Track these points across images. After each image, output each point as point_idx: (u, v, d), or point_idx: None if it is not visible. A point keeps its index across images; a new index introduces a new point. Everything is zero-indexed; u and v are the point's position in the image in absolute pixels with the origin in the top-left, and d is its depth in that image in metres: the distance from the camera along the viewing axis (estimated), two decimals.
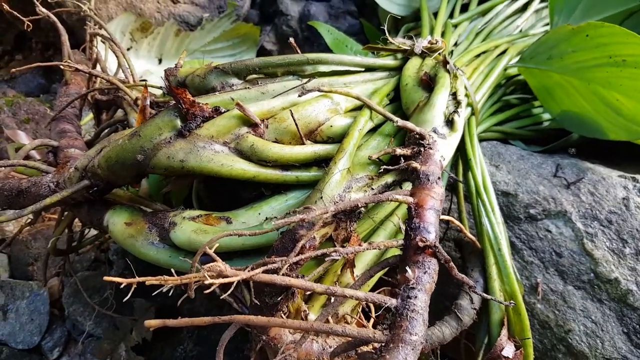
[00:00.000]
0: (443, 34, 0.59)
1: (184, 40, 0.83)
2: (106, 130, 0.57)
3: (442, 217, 0.41)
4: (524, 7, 0.66)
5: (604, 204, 0.50)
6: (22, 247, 0.68)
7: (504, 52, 0.59)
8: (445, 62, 0.47)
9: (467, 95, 0.51)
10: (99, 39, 0.65)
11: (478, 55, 0.58)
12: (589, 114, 0.55)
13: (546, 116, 0.60)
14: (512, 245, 0.51)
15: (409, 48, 0.53)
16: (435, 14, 0.65)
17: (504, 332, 0.42)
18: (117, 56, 0.59)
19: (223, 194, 0.46)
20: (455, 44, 0.61)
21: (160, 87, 0.52)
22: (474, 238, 0.45)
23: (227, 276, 0.29)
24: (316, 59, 0.47)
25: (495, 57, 0.57)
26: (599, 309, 0.48)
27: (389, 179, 0.40)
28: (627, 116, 0.52)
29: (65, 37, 0.63)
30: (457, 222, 0.42)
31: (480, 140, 0.57)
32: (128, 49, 0.82)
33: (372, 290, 0.46)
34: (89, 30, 0.65)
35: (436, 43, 0.52)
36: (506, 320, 0.44)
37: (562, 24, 0.60)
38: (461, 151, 0.50)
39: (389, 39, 0.53)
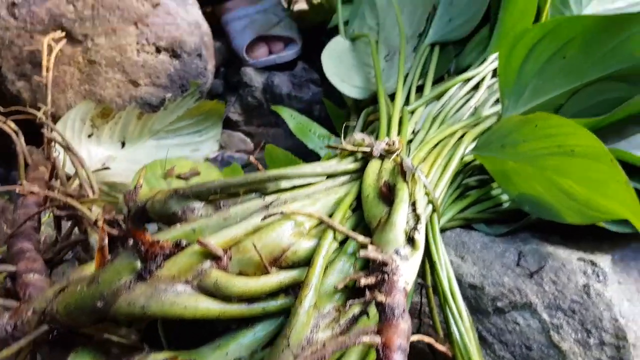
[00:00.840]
0: (400, 123, 0.61)
1: (147, 122, 0.83)
2: (66, 249, 0.56)
3: (412, 338, 0.41)
4: (477, 86, 0.68)
5: (566, 293, 0.51)
6: None
7: (461, 138, 0.60)
8: (402, 172, 0.48)
9: (427, 194, 0.52)
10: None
11: (436, 145, 0.59)
12: (545, 198, 0.56)
13: (506, 197, 0.62)
14: (483, 340, 0.52)
15: (368, 150, 0.54)
16: (393, 96, 0.67)
17: None
18: (75, 166, 0.58)
19: (190, 325, 0.46)
20: (414, 132, 0.62)
21: (122, 192, 0.51)
22: (444, 348, 0.45)
23: None
24: (277, 175, 0.48)
25: (452, 146, 0.59)
26: None
27: (355, 309, 0.40)
28: (581, 201, 0.54)
29: (20, 146, 0.62)
30: (427, 339, 0.42)
31: (445, 229, 0.58)
32: (89, 136, 0.81)
33: None
34: (46, 134, 0.64)
35: (393, 144, 0.53)
36: None
37: (512, 106, 0.62)
38: (426, 251, 0.51)
39: (344, 144, 0.54)
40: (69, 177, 0.68)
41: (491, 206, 0.61)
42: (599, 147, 0.51)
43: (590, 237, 0.60)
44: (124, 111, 0.81)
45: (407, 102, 0.67)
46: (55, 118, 0.77)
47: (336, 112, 0.75)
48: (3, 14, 0.75)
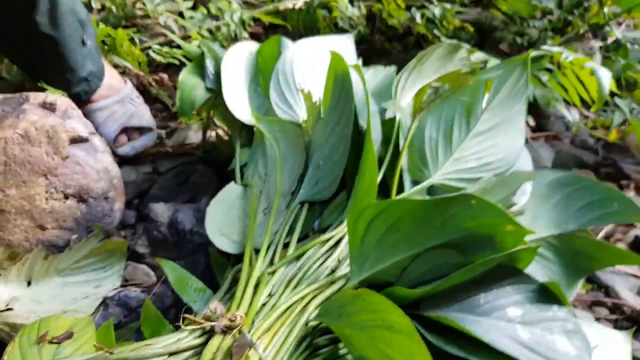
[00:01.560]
0: (257, 287, 0.68)
1: (53, 262, 0.89)
2: None
3: None
4: (336, 244, 0.77)
5: None
6: None
7: (308, 304, 0.68)
8: (231, 355, 0.55)
9: None
10: None
11: (285, 311, 0.66)
12: None
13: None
14: None
15: (214, 324, 0.61)
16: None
17: None
18: None
19: None
20: (270, 295, 0.70)
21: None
22: None
23: None
24: None
25: (298, 313, 0.66)
26: None
27: None
28: None
29: None
30: None
31: None
32: None
33: None
34: None
35: (235, 320, 0.60)
36: None
37: (358, 271, 0.71)
38: None
39: (192, 317, 0.60)
40: None
41: None
42: (409, 327, 0.59)
43: None
44: (31, 253, 0.87)
45: (272, 260, 0.75)
46: None
47: (219, 261, 0.83)
48: None
